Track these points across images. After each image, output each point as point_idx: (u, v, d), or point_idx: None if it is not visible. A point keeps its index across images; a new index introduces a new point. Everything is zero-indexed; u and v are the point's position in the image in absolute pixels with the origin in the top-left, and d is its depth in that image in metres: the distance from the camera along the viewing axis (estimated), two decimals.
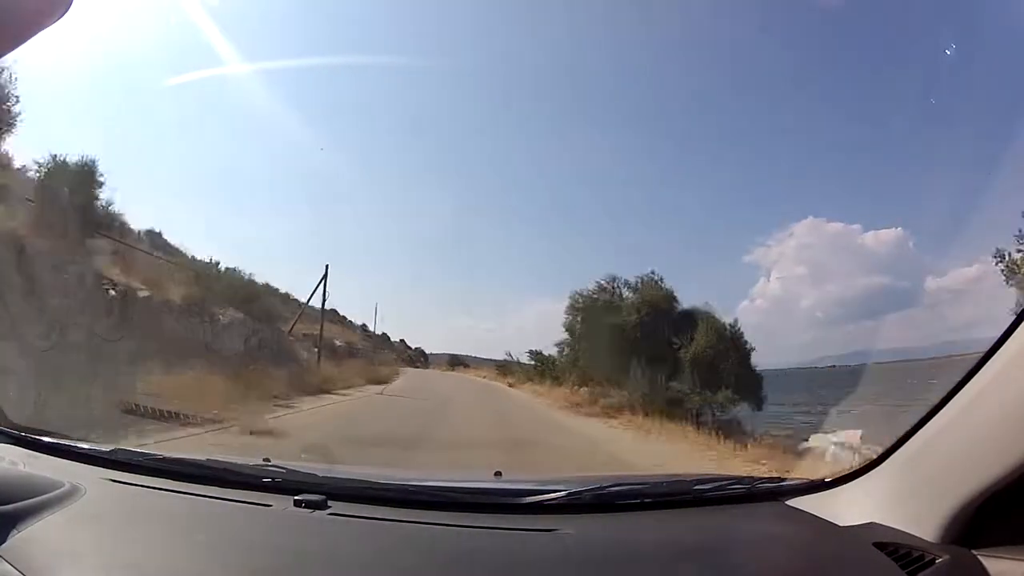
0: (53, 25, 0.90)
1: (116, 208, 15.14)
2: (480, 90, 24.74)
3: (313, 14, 22.56)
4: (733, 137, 21.28)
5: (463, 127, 26.71)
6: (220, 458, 1.96)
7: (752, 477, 1.72)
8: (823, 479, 1.54)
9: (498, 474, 1.93)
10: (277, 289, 22.73)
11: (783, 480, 1.68)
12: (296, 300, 23.41)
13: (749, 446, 8.81)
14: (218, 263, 18.74)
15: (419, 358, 42.64)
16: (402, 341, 42.54)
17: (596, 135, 21.98)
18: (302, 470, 1.81)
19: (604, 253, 27.58)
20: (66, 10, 0.89)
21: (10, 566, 1.23)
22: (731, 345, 13.83)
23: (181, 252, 18.98)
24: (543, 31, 21.36)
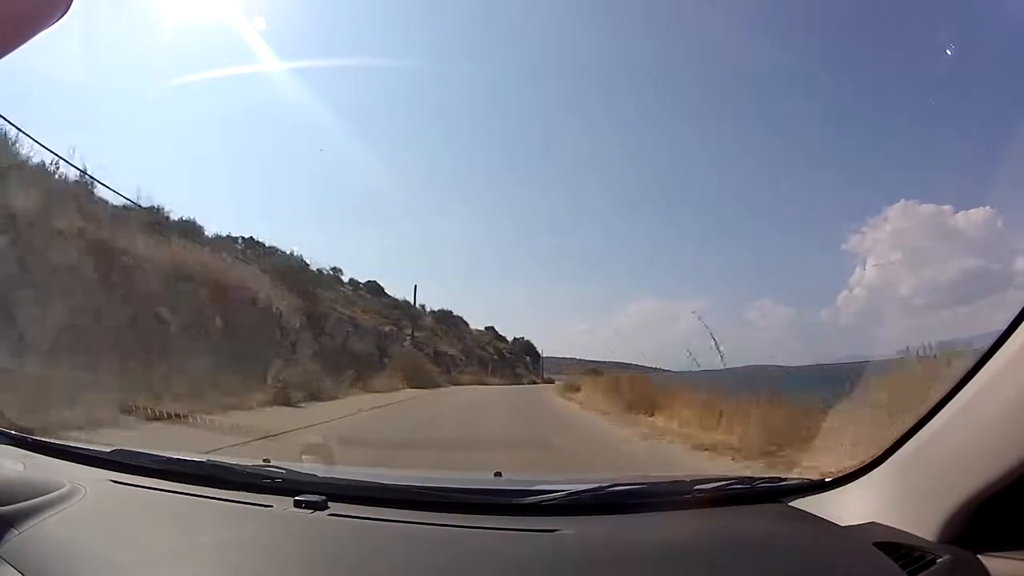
0: (53, 25, 0.90)
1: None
2: (581, 92, 24.64)
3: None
4: (824, 125, 21.12)
5: (566, 137, 26.56)
6: (220, 459, 1.97)
7: (752, 477, 1.71)
8: (823, 479, 1.54)
9: (498, 474, 1.93)
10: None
11: (783, 480, 1.68)
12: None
13: None
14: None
15: (522, 354, 29.61)
16: (490, 329, 29.38)
17: (691, 134, 22.14)
18: (302, 471, 1.81)
19: (704, 249, 27.32)
20: (66, 10, 0.89)
21: (10, 567, 1.23)
22: None
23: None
24: (626, 20, 21.31)
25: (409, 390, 19.56)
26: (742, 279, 27.17)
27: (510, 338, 30.59)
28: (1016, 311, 1.07)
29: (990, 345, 1.12)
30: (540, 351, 31.93)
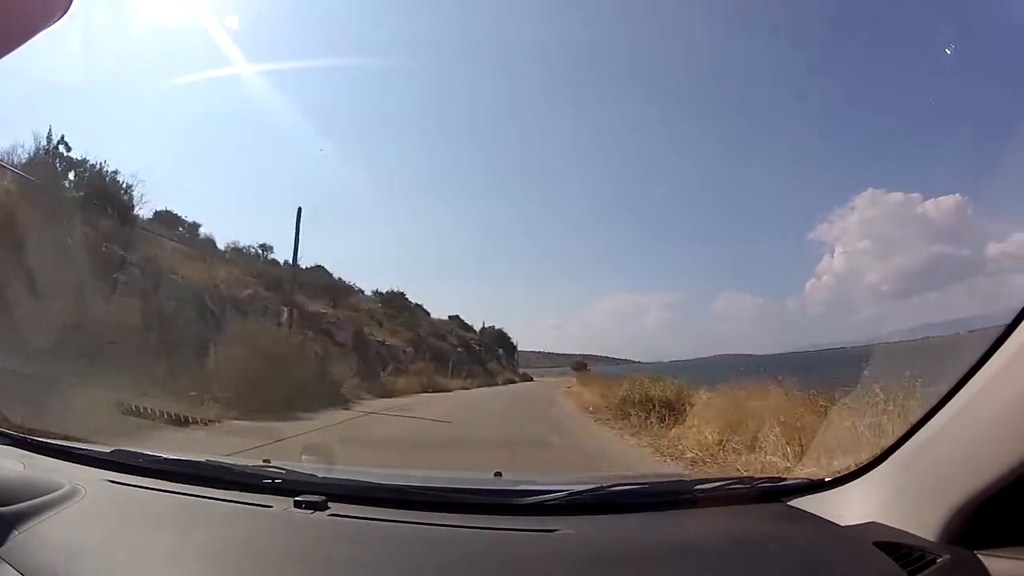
0: (53, 25, 0.90)
1: None
2: (551, 90, 24.35)
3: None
4: (790, 115, 21.20)
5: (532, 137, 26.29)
6: (220, 459, 1.97)
7: (752, 477, 1.71)
8: (823, 479, 1.54)
9: (498, 474, 1.93)
10: None
11: (783, 480, 1.68)
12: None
13: None
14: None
15: (493, 346, 23.28)
16: (454, 318, 22.22)
17: (657, 128, 21.97)
18: (302, 471, 1.81)
19: (673, 241, 27.37)
20: (66, 10, 0.89)
21: (11, 567, 1.23)
22: None
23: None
24: (590, 10, 21.13)
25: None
26: (711, 270, 27.33)
27: (479, 328, 25.24)
28: (1011, 307, 1.07)
29: (989, 345, 1.12)
30: (515, 342, 27.09)
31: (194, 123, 22.85)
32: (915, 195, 18.48)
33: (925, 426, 1.25)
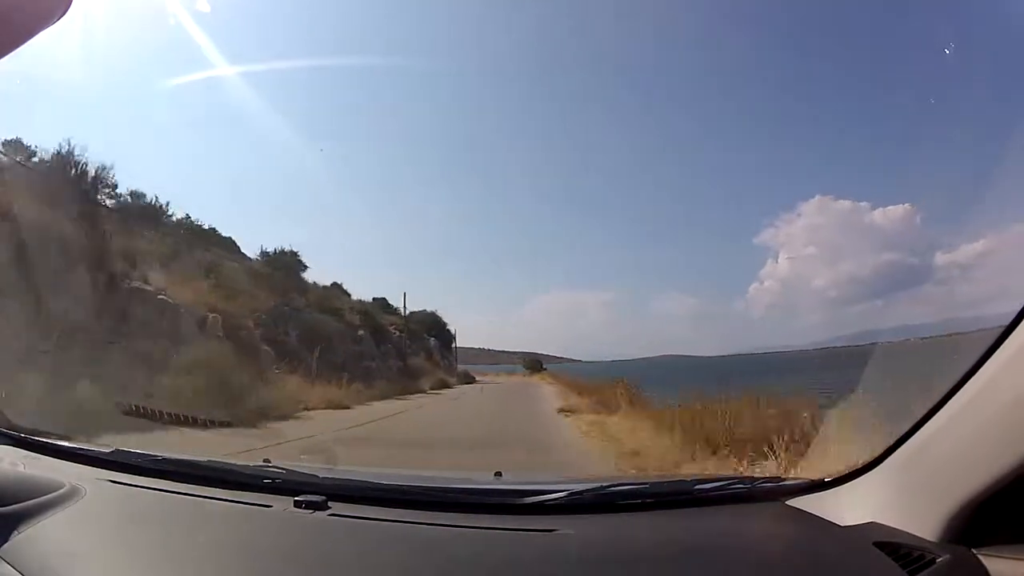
0: (52, 26, 0.90)
1: None
2: (499, 87, 24.37)
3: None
4: (739, 118, 21.28)
5: (476, 130, 26.42)
6: (220, 459, 1.97)
7: (752, 477, 1.72)
8: (823, 478, 1.54)
9: (498, 474, 1.93)
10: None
11: (783, 480, 1.68)
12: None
13: None
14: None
15: (423, 335, 18.81)
16: (379, 300, 17.86)
17: (603, 124, 21.94)
18: (302, 471, 1.81)
19: (615, 240, 27.52)
20: (65, 11, 0.89)
21: (10, 567, 1.23)
22: None
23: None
24: (543, 17, 21.11)
25: None
26: (655, 270, 27.40)
27: (407, 313, 19.49)
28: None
29: (989, 345, 1.12)
30: (452, 331, 21.65)
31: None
32: (864, 203, 18.61)
33: (924, 426, 1.25)
